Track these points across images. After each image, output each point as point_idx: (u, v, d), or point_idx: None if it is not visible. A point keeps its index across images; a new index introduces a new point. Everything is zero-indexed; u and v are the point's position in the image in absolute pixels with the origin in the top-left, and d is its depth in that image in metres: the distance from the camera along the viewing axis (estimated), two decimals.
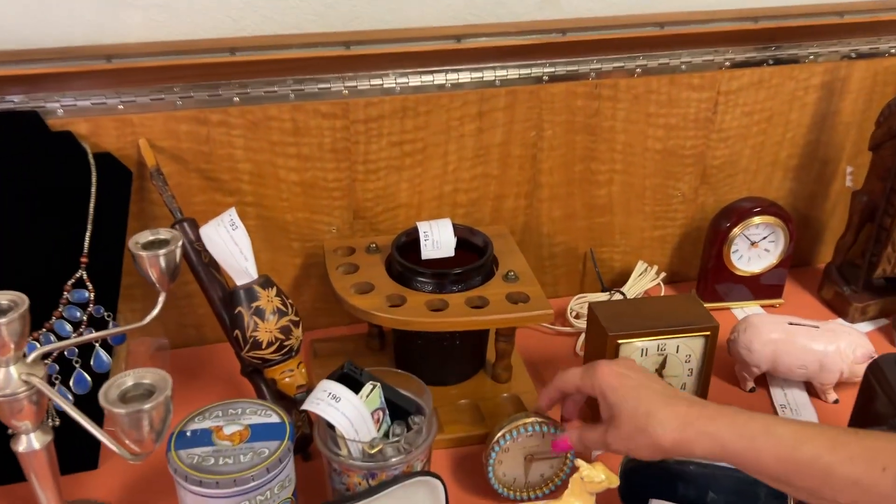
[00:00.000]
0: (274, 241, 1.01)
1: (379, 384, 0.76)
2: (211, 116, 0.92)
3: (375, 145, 0.99)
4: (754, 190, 1.14)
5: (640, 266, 1.13)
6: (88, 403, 0.84)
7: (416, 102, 0.97)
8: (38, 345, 0.84)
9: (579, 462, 0.72)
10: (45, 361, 0.84)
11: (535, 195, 1.07)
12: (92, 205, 0.88)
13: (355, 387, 0.75)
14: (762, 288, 1.12)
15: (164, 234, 0.79)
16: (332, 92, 0.95)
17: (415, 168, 1.02)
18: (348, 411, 0.73)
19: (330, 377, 0.76)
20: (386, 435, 0.76)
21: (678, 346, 0.87)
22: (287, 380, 0.83)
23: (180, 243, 0.78)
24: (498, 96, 0.99)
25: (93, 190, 0.89)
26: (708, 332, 0.87)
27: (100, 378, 0.87)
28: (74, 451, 0.84)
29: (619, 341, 0.86)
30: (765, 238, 1.08)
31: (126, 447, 0.62)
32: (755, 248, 1.09)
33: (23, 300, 0.66)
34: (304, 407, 0.74)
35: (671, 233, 1.14)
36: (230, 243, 0.81)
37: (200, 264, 0.87)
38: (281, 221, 1.01)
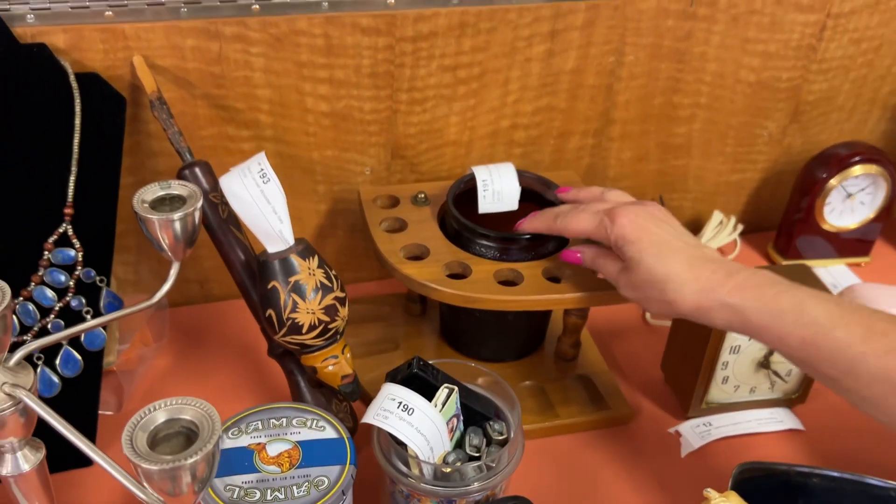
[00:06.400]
0: (296, 184, 0.84)
1: (456, 389, 0.61)
2: (224, 29, 0.73)
3: (424, 69, 0.81)
4: (847, 131, 0.99)
5: (717, 216, 0.98)
6: (78, 385, 0.70)
7: (477, 17, 0.78)
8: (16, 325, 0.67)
9: (709, 492, 0.59)
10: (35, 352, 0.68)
11: (604, 133, 0.91)
12: (76, 141, 0.70)
13: (424, 390, 0.60)
14: (848, 244, 0.98)
15: (177, 188, 0.62)
16: (374, 1, 0.76)
17: (468, 98, 0.84)
18: (424, 427, 0.58)
19: (393, 378, 0.61)
20: (459, 445, 0.62)
21: None
22: (330, 368, 0.68)
23: (199, 203, 0.61)
24: (576, 12, 0.81)
25: (77, 121, 0.70)
26: None
27: (92, 356, 0.71)
28: (65, 446, 0.68)
29: None
30: (862, 190, 0.94)
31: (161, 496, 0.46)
32: (850, 201, 0.94)
33: (3, 291, 0.49)
34: (369, 420, 0.58)
35: (749, 177, 0.99)
36: (261, 201, 0.64)
37: (217, 220, 0.70)
38: (305, 161, 0.83)
